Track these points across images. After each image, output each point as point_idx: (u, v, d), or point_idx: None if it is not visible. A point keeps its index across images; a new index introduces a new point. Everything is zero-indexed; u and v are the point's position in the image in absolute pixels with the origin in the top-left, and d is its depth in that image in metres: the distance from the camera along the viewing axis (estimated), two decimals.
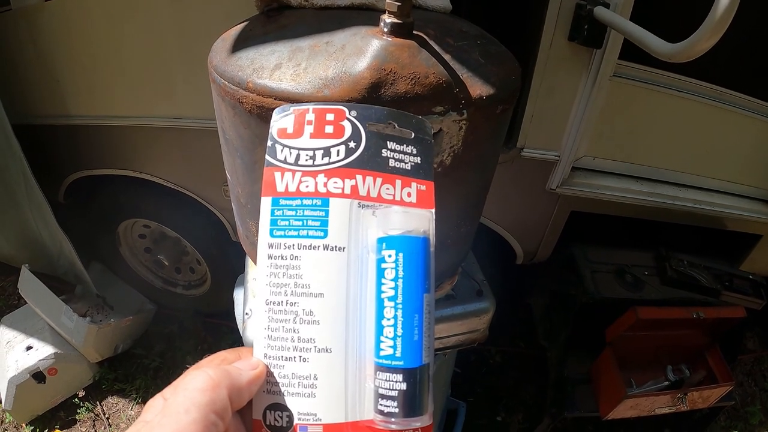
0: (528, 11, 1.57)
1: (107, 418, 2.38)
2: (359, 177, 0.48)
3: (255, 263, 1.03)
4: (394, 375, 0.44)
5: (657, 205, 1.94)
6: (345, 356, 0.46)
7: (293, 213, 0.47)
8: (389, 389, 0.44)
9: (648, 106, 1.75)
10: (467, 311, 1.14)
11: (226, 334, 2.67)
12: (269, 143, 0.48)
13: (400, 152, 0.49)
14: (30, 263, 2.43)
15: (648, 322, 1.91)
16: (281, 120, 0.49)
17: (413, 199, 0.49)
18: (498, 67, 0.77)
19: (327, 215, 0.47)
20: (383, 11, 0.68)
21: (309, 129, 0.49)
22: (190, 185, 2.10)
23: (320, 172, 0.48)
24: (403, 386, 0.44)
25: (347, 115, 0.49)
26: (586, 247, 2.17)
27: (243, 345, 1.08)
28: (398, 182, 0.49)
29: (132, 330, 2.55)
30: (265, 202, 0.48)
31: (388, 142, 0.49)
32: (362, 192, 0.48)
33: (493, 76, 0.73)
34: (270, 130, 0.49)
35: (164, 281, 2.67)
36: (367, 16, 0.74)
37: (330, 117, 0.49)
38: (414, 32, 0.69)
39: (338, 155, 0.48)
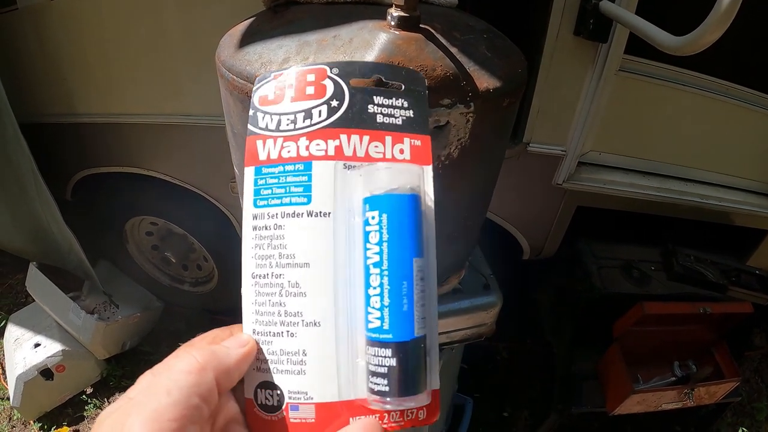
0: (533, 6, 1.57)
1: None
2: (343, 137, 0.45)
3: None
4: (383, 350, 0.40)
5: (664, 200, 1.94)
6: (335, 330, 0.43)
7: (276, 180, 0.45)
8: (378, 365, 0.40)
9: (654, 101, 1.75)
10: (474, 305, 1.14)
11: None
12: (251, 112, 0.47)
13: (389, 107, 0.46)
14: (41, 257, 2.45)
15: (655, 317, 1.91)
16: (262, 87, 0.47)
17: (407, 155, 0.45)
18: (504, 60, 0.77)
19: (310, 180, 0.44)
20: (390, 5, 0.68)
21: (290, 93, 0.47)
22: (197, 182, 2.10)
23: (302, 135, 0.45)
24: (393, 362, 0.40)
25: (328, 73, 0.46)
26: (593, 242, 2.17)
27: None
28: (388, 139, 0.45)
29: (139, 327, 2.56)
30: (248, 173, 0.46)
31: (374, 97, 0.46)
32: (347, 152, 0.44)
33: (500, 69, 0.74)
34: (251, 99, 0.47)
35: (171, 278, 2.68)
36: (374, 10, 0.75)
37: (311, 78, 0.47)
38: (421, 25, 0.69)
39: (320, 116, 0.45)
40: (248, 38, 0.76)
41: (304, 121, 0.45)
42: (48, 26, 1.83)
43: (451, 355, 1.27)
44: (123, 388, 2.46)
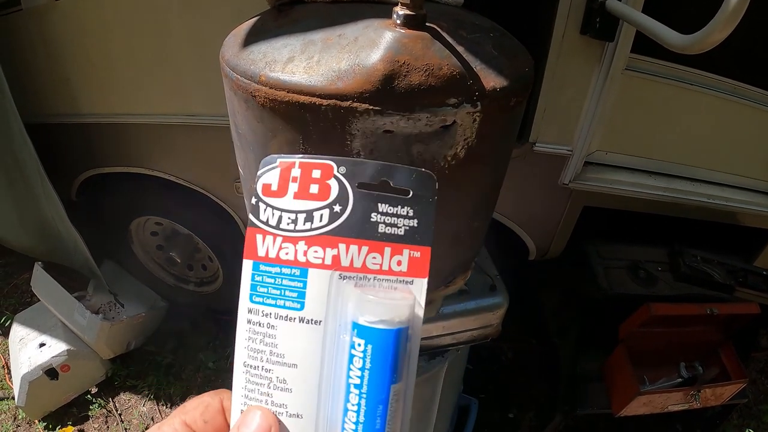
0: (539, 4, 1.56)
1: (119, 415, 2.39)
2: (342, 246, 0.45)
3: None
4: None
5: (670, 200, 1.93)
6: (315, 424, 0.45)
7: (272, 281, 0.45)
8: None
9: (661, 100, 1.74)
10: (480, 306, 1.14)
11: None
12: (253, 200, 0.46)
13: (392, 215, 0.45)
14: (48, 255, 2.46)
15: (661, 318, 1.90)
16: (266, 174, 0.47)
17: (404, 267, 0.44)
18: (511, 59, 0.76)
19: (305, 287, 0.45)
20: (395, 3, 0.67)
21: (294, 187, 0.46)
22: (201, 182, 2.10)
23: (301, 239, 0.45)
24: None
25: (335, 172, 0.46)
26: (599, 242, 2.16)
27: None
28: (387, 250, 0.44)
29: (144, 327, 2.56)
30: (246, 266, 0.46)
31: (379, 204, 0.45)
32: (344, 263, 0.44)
33: (507, 68, 0.73)
34: (255, 185, 0.47)
35: (176, 278, 2.68)
36: (380, 8, 0.74)
37: (316, 174, 0.46)
38: (427, 24, 0.68)
39: (321, 220, 0.45)
40: (252, 37, 0.75)
41: (304, 224, 0.45)
42: (52, 27, 1.83)
43: (456, 356, 1.26)
44: (128, 388, 2.47)
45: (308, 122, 0.67)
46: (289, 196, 0.46)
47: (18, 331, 2.39)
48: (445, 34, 0.69)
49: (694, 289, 2.08)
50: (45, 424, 2.32)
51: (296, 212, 0.45)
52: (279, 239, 0.45)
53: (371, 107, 0.64)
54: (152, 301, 2.61)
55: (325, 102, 0.64)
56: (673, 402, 2.00)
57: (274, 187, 0.46)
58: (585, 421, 2.42)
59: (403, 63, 0.64)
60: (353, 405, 0.43)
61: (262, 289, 0.45)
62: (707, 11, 0.96)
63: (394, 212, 0.45)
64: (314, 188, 0.45)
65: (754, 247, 2.32)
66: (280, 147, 0.73)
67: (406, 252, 0.44)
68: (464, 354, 1.40)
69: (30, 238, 2.46)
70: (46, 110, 2.09)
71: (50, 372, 2.23)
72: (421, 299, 0.44)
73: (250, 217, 0.46)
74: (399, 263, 0.44)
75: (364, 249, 0.44)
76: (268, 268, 0.45)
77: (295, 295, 0.45)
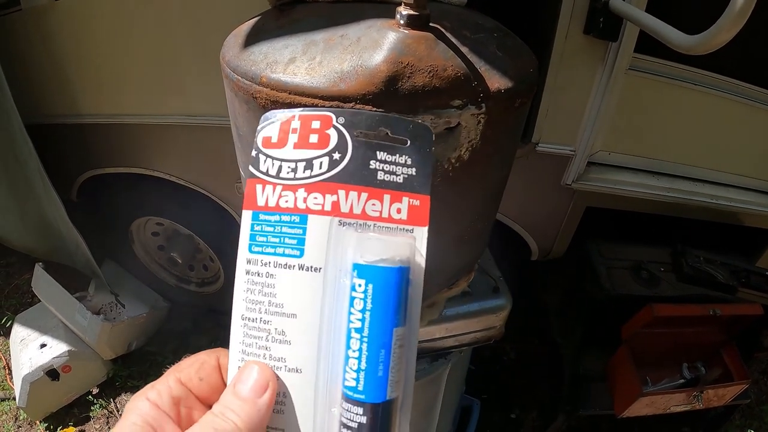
0: (542, 4, 1.55)
1: (121, 415, 2.38)
2: (342, 192, 0.44)
3: None
4: (356, 407, 0.42)
5: (673, 200, 1.92)
6: (315, 378, 0.44)
7: (272, 229, 0.45)
8: (350, 420, 0.42)
9: (664, 100, 1.73)
10: (483, 308, 1.13)
11: None
12: (253, 153, 0.46)
13: (391, 163, 0.45)
14: (50, 255, 2.46)
15: (664, 319, 1.89)
16: (266, 128, 0.47)
17: (404, 215, 0.44)
18: (515, 60, 0.75)
19: (304, 233, 0.44)
20: (399, 3, 0.66)
21: (293, 138, 0.46)
22: (202, 182, 2.10)
23: (300, 186, 0.45)
24: (364, 420, 0.41)
25: (334, 122, 0.46)
26: (602, 243, 2.15)
27: None
28: (387, 197, 0.44)
29: (146, 327, 2.56)
30: (246, 216, 0.46)
31: (377, 152, 0.45)
32: (344, 209, 0.44)
33: (511, 69, 0.72)
34: (255, 139, 0.46)
35: (178, 279, 2.68)
36: (382, 8, 0.73)
37: (316, 125, 0.46)
38: (430, 24, 0.67)
39: (320, 168, 0.45)
40: (253, 38, 0.74)
41: (304, 171, 0.45)
42: (52, 27, 1.83)
43: (459, 358, 1.25)
44: (129, 389, 2.46)
45: None
46: (288, 147, 0.46)
47: (19, 332, 2.38)
48: (449, 35, 0.68)
49: (696, 290, 2.08)
50: (46, 424, 2.32)
51: (296, 161, 0.45)
52: (279, 188, 0.45)
53: (374, 109, 0.63)
54: (153, 302, 2.61)
55: (327, 104, 0.63)
56: (675, 403, 1.99)
57: (274, 140, 0.46)
58: (587, 422, 2.41)
59: (407, 64, 0.63)
60: (354, 351, 0.42)
61: (261, 239, 0.45)
62: (709, 10, 0.95)
63: (393, 160, 0.44)
64: (314, 138, 0.45)
65: (756, 247, 2.31)
66: None
67: (405, 200, 0.44)
68: (467, 355, 1.39)
69: (32, 237, 2.46)
70: (46, 110, 2.09)
71: (51, 373, 2.22)
72: (422, 248, 0.44)
73: (250, 168, 0.45)
74: (399, 211, 0.44)
75: (364, 195, 0.44)
76: (267, 217, 0.45)
77: (294, 242, 0.44)
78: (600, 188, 1.85)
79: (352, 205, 0.44)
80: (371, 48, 0.64)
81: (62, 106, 2.04)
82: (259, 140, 0.46)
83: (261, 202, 0.45)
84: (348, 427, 0.42)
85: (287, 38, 0.71)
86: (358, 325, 0.42)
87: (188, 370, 0.45)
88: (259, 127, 0.47)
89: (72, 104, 2.01)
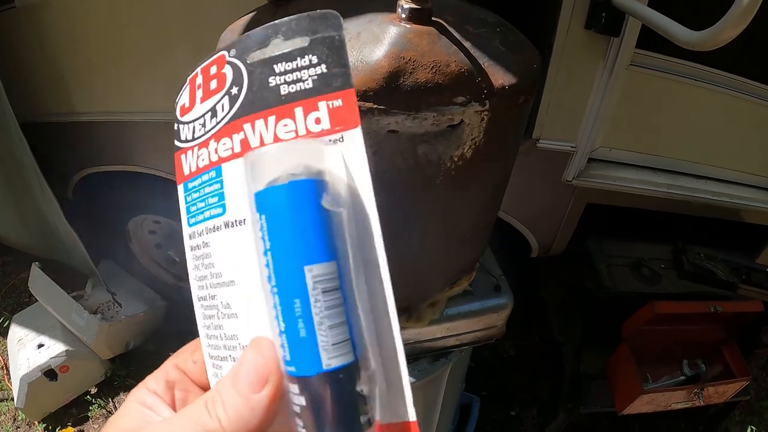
0: None
1: None
2: (247, 126, 0.37)
3: None
4: (293, 385, 0.32)
5: (674, 197, 1.91)
6: None
7: (198, 195, 0.40)
8: (294, 403, 0.33)
9: (666, 96, 1.72)
10: (485, 307, 1.12)
11: None
12: (175, 126, 0.42)
13: (293, 71, 0.36)
14: (48, 253, 2.46)
15: (665, 316, 1.89)
16: (181, 96, 0.42)
17: (325, 124, 0.36)
18: (519, 55, 0.74)
19: (222, 186, 0.38)
20: None
21: (199, 94, 0.41)
22: None
23: (210, 138, 0.39)
24: (302, 400, 0.32)
25: (227, 57, 0.39)
26: (602, 240, 2.14)
27: None
28: (299, 110, 0.36)
29: (144, 327, 2.54)
30: (180, 191, 0.41)
31: (274, 66, 0.37)
32: (254, 143, 0.37)
33: (515, 65, 0.71)
34: (175, 112, 0.42)
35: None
36: (383, 2, 0.71)
37: (213, 70, 0.40)
38: (433, 18, 0.66)
39: (223, 110, 0.39)
40: None
41: (211, 121, 0.40)
42: (46, 24, 1.81)
43: (460, 357, 1.24)
44: (128, 388, 2.45)
45: None
46: (197, 105, 0.41)
47: (16, 332, 2.37)
48: (451, 29, 0.67)
49: (697, 287, 2.07)
50: (45, 425, 2.30)
51: (203, 115, 0.40)
52: (195, 149, 0.41)
53: (375, 106, 0.61)
54: (151, 300, 2.59)
55: None
56: (676, 400, 1.99)
57: (187, 104, 0.42)
58: (588, 419, 2.40)
59: (409, 60, 0.61)
60: (273, 310, 0.33)
61: (193, 208, 0.41)
62: (711, 6, 0.94)
63: (294, 66, 0.36)
64: (213, 83, 0.40)
65: (757, 244, 2.30)
66: None
67: (322, 105, 0.36)
68: (467, 354, 1.38)
69: (30, 236, 2.45)
70: (41, 109, 2.07)
71: (49, 373, 2.20)
72: (356, 154, 0.36)
73: (175, 142, 0.42)
74: (318, 121, 0.36)
75: (271, 119, 0.37)
76: (193, 183, 0.41)
77: (216, 200, 0.39)
78: (601, 185, 1.83)
79: (261, 136, 0.37)
80: (372, 43, 0.63)
81: (57, 104, 2.02)
82: (177, 111, 0.42)
83: (186, 170, 0.41)
84: (294, 414, 0.33)
85: None
86: (266, 272, 0.33)
87: (184, 355, 0.42)
88: (176, 99, 0.43)
89: (67, 102, 1.99)
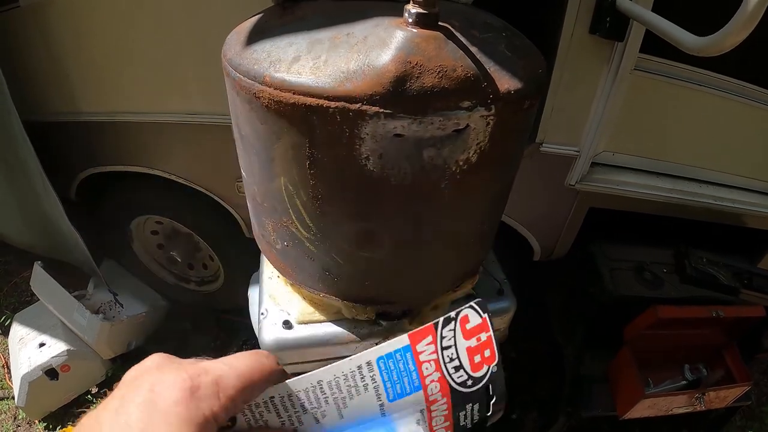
0: (548, 2, 1.53)
1: None
2: None
3: (269, 261, 1.01)
4: None
5: (677, 201, 1.90)
6: None
7: None
8: None
9: (669, 101, 1.71)
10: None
11: (239, 331, 2.66)
12: None
13: None
14: (50, 252, 2.46)
15: (668, 321, 1.88)
16: None
17: None
18: (524, 60, 0.74)
19: None
20: (407, 1, 0.65)
21: None
22: (202, 181, 2.08)
23: None
24: None
25: None
26: (605, 244, 2.14)
27: (258, 345, 1.06)
28: None
29: (145, 327, 2.54)
30: None
31: None
32: None
33: (521, 70, 0.71)
34: None
35: (177, 277, 2.66)
36: (389, 6, 0.71)
37: None
38: (439, 23, 0.66)
39: None
40: (256, 36, 0.73)
41: None
42: (50, 23, 1.81)
43: None
44: None
45: (315, 125, 0.65)
46: None
47: (18, 331, 2.37)
48: (458, 34, 0.67)
49: (699, 291, 2.06)
50: (45, 424, 2.30)
51: None
52: None
53: (382, 110, 0.61)
54: (153, 301, 2.59)
55: (333, 104, 0.62)
56: (677, 405, 1.99)
57: None
58: (588, 423, 2.40)
59: (416, 64, 0.61)
60: None
61: None
62: (714, 10, 0.93)
63: None
64: None
65: (759, 249, 2.30)
66: (284, 150, 0.71)
67: None
68: None
69: (32, 234, 2.45)
70: (44, 108, 2.07)
71: (50, 372, 2.21)
72: None
73: None
74: None
75: None
76: None
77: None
78: (604, 189, 1.83)
79: None
80: (378, 47, 0.63)
81: (61, 104, 2.02)
82: None
83: None
84: None
85: (291, 36, 0.69)
86: None
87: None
88: None
89: (71, 101, 1.99)
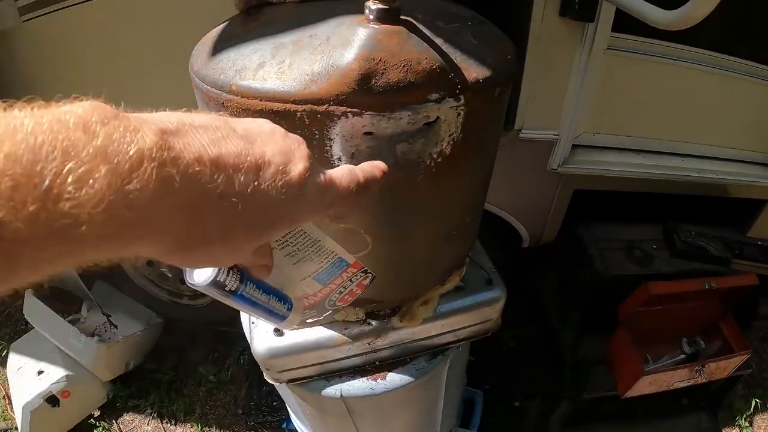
0: None
1: None
2: None
3: None
4: None
5: (660, 177, 1.91)
6: None
7: None
8: None
9: (645, 77, 1.72)
10: (478, 301, 1.11)
11: (237, 342, 2.65)
12: None
13: None
14: None
15: (660, 297, 1.89)
16: None
17: None
18: (492, 48, 0.74)
19: None
20: None
21: None
22: None
23: None
24: None
25: None
26: (592, 225, 2.14)
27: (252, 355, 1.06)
28: None
29: (141, 345, 2.53)
30: None
31: None
32: None
33: (489, 57, 0.71)
34: None
35: (170, 293, 2.65)
36: (351, 4, 0.71)
37: None
38: (402, 17, 0.65)
39: None
40: (221, 45, 0.72)
41: None
42: (21, 49, 1.79)
43: (458, 353, 1.24)
44: (131, 408, 2.44)
45: None
46: None
47: (15, 360, 2.35)
48: (421, 27, 0.67)
49: (690, 265, 2.08)
50: None
51: None
52: None
53: (349, 109, 0.61)
54: (147, 319, 2.58)
55: (300, 108, 0.61)
56: (678, 379, 1.99)
57: None
58: (591, 404, 2.41)
59: (380, 60, 0.61)
60: None
61: None
62: None
63: None
64: None
65: (746, 218, 2.31)
66: None
67: None
68: (465, 349, 1.38)
69: None
70: None
71: (51, 399, 2.19)
72: None
73: None
74: None
75: None
76: None
77: None
78: (586, 170, 1.83)
79: None
80: (341, 46, 0.63)
81: None
82: None
83: None
84: None
85: (255, 43, 0.69)
86: None
87: None
88: None
89: None
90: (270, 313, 0.53)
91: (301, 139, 0.42)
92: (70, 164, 0.27)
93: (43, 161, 0.26)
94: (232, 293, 0.49)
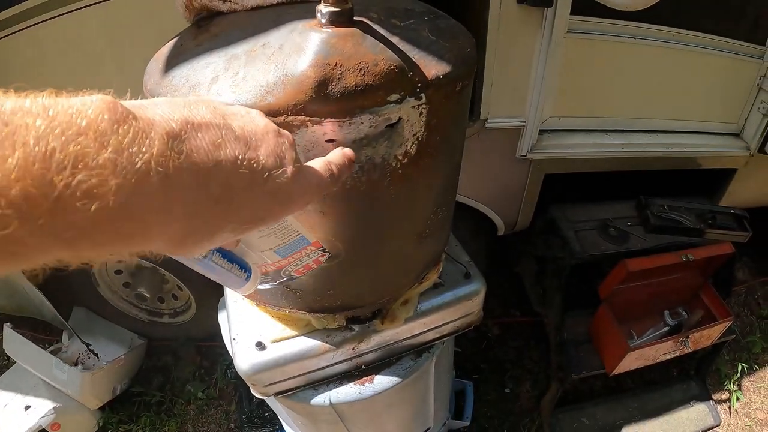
0: None
1: None
2: None
3: None
4: None
5: (629, 154, 1.93)
6: None
7: None
8: None
9: (607, 58, 1.73)
10: (458, 296, 1.11)
11: (221, 356, 2.61)
12: None
13: None
14: (19, 311, 2.41)
15: (639, 273, 1.91)
16: None
17: None
18: (451, 42, 0.73)
19: None
20: (318, 1, 0.63)
21: None
22: None
23: None
24: None
25: None
26: (566, 207, 2.16)
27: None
28: None
29: (126, 369, 2.49)
30: None
31: None
32: None
33: (448, 52, 0.69)
34: None
35: (149, 313, 2.60)
36: (303, 9, 0.70)
37: None
38: (355, 18, 0.64)
39: None
40: (173, 60, 0.70)
41: None
42: None
43: (443, 348, 1.23)
44: None
45: None
46: None
47: (1, 397, 2.29)
48: (376, 27, 0.65)
49: (666, 239, 2.10)
50: None
51: None
52: None
53: (308, 118, 0.60)
54: (129, 341, 2.54)
55: None
56: (664, 351, 2.02)
57: None
58: (581, 383, 2.43)
59: (335, 65, 0.59)
60: None
61: None
62: None
63: None
64: None
65: (717, 187, 2.34)
66: None
67: None
68: (450, 343, 1.37)
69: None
70: None
71: None
72: None
73: None
74: None
75: None
76: None
77: None
78: (555, 154, 1.84)
79: None
80: (295, 54, 0.61)
81: None
82: None
83: None
84: None
85: (208, 56, 0.67)
86: None
87: None
88: None
89: None
90: (230, 280, 0.56)
91: (290, 137, 0.43)
92: (80, 176, 0.28)
93: (54, 172, 0.27)
94: (199, 260, 0.53)
